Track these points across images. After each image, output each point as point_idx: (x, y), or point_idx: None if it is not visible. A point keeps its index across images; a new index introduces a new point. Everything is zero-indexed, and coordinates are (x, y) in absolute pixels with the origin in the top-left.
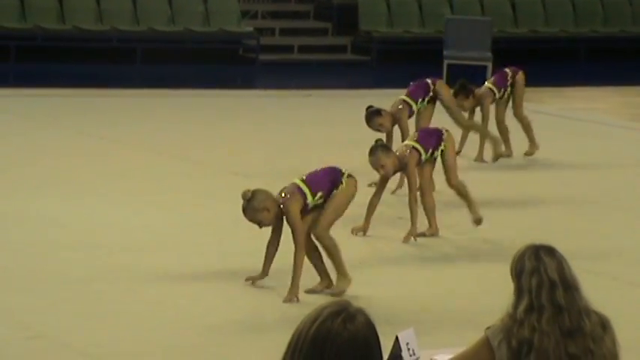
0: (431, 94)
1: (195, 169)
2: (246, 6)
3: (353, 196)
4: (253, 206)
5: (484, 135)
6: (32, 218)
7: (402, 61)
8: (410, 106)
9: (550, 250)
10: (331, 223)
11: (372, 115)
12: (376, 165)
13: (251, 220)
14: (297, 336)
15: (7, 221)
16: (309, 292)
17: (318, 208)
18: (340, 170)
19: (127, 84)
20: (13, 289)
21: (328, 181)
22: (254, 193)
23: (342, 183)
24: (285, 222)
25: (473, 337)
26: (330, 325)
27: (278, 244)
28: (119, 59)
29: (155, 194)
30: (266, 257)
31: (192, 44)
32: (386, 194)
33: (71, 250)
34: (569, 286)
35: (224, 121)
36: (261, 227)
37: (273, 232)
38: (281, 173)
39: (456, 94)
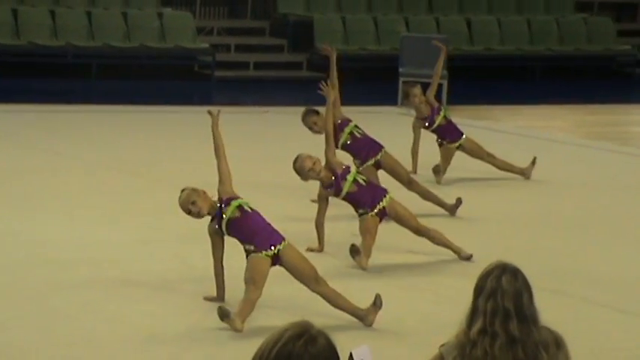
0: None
1: (150, 184)
2: (201, 22)
3: (262, 272)
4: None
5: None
6: None
7: (358, 78)
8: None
9: (514, 275)
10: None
11: (308, 113)
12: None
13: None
14: (258, 357)
15: None
16: None
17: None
18: (278, 240)
19: (83, 99)
20: None
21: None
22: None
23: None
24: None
25: (427, 354)
26: (292, 348)
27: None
28: (74, 75)
29: (112, 210)
30: (217, 279)
31: (147, 60)
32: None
33: (27, 265)
34: (525, 318)
35: (180, 137)
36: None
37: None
38: (238, 189)
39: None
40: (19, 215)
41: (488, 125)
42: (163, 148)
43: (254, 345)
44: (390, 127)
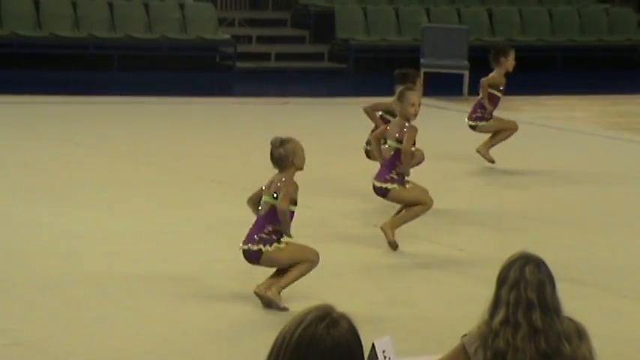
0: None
1: (172, 176)
2: (223, 13)
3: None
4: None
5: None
6: (8, 225)
7: (379, 69)
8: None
9: (538, 266)
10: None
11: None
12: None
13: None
14: (280, 340)
15: None
16: None
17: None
18: None
19: (104, 91)
20: None
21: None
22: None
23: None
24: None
25: (449, 344)
26: (314, 330)
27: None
28: (96, 66)
29: (132, 201)
30: None
31: (168, 51)
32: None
33: (48, 256)
34: (548, 308)
35: (201, 129)
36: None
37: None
38: (258, 180)
39: None
40: (40, 205)
41: (509, 116)
42: (184, 140)
43: (274, 334)
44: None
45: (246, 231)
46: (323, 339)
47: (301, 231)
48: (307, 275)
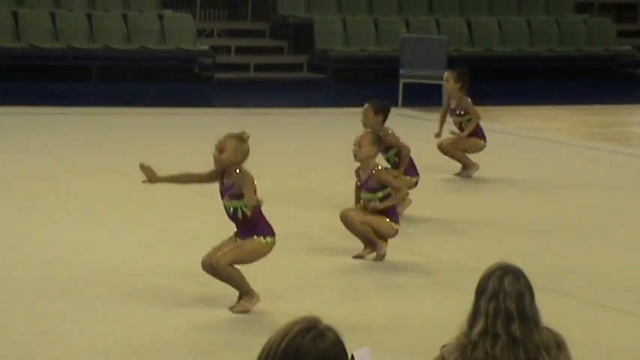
0: None
1: (153, 187)
2: (202, 24)
3: (263, 254)
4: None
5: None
6: None
7: (359, 79)
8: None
9: (516, 276)
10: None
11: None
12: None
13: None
14: (266, 352)
15: None
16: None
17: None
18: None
19: (83, 102)
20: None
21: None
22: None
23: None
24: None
25: (428, 355)
26: (300, 342)
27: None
28: (75, 77)
29: (113, 212)
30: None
31: (148, 62)
32: None
33: (29, 267)
34: (527, 319)
35: (180, 140)
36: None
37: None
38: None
39: None
40: (20, 217)
41: (489, 126)
42: (163, 151)
43: (255, 346)
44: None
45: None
46: (309, 350)
47: (281, 243)
48: (288, 286)
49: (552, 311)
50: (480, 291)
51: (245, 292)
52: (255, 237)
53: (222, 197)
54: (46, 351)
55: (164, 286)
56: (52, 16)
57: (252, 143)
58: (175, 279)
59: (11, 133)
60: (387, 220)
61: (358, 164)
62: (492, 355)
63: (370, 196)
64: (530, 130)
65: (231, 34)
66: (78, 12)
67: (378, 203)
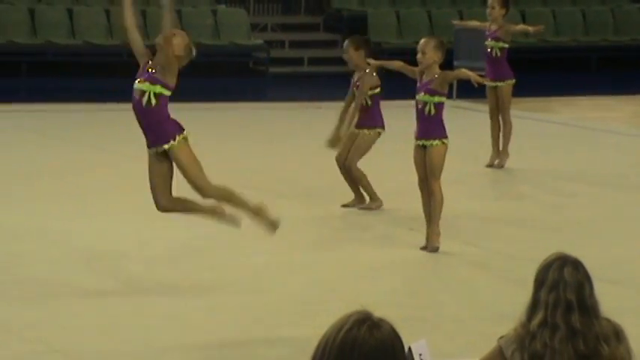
0: None
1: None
2: (255, 19)
3: None
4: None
5: None
6: (45, 231)
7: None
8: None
9: (575, 267)
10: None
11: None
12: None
13: None
14: (323, 344)
15: (20, 235)
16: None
17: None
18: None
19: None
20: (27, 303)
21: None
22: None
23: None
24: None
25: (485, 347)
26: (357, 333)
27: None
28: (131, 74)
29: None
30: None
31: (202, 57)
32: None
33: (83, 263)
34: (587, 309)
35: (235, 134)
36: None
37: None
38: (293, 186)
39: None
40: (75, 213)
41: (545, 117)
42: (219, 146)
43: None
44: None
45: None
46: (366, 341)
47: (339, 234)
48: (337, 277)
49: (610, 301)
50: (539, 282)
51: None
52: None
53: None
54: (100, 347)
55: (218, 281)
56: (107, 13)
57: (306, 137)
58: (228, 273)
59: (68, 129)
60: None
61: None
62: (551, 346)
63: (427, 98)
64: (586, 121)
65: (284, 28)
66: (133, 8)
67: (432, 107)
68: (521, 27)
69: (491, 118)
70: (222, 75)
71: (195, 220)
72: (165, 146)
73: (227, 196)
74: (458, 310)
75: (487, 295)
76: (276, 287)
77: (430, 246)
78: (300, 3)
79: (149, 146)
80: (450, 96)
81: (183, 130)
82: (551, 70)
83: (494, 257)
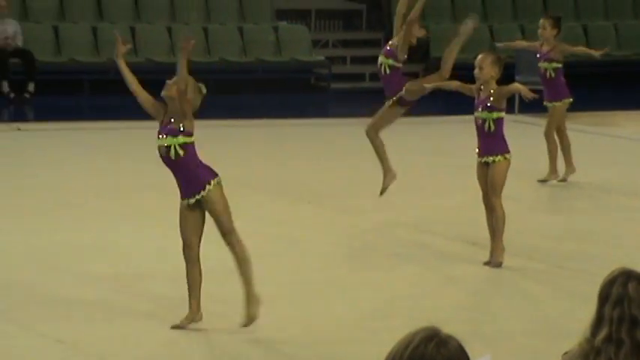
0: None
1: (272, 197)
2: (317, 35)
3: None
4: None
5: None
6: (110, 249)
7: None
8: None
9: None
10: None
11: None
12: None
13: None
14: None
15: (86, 253)
16: None
17: None
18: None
19: (201, 115)
20: (93, 322)
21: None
22: None
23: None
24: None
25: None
26: (424, 350)
27: None
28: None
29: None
30: None
31: (264, 74)
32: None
33: (152, 280)
34: None
35: (296, 151)
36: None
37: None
38: (356, 199)
39: None
40: (140, 232)
41: (609, 132)
42: (284, 162)
43: None
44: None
45: None
46: (433, 358)
47: (403, 250)
48: (402, 295)
49: None
50: (604, 297)
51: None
52: None
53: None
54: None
55: (281, 294)
56: (169, 29)
57: (367, 153)
58: (292, 287)
59: (130, 146)
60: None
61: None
62: None
63: (485, 115)
64: None
65: (346, 44)
66: (194, 25)
67: (492, 123)
68: (580, 49)
69: (551, 135)
70: (284, 91)
71: (255, 237)
72: (203, 193)
73: (241, 258)
74: (522, 326)
75: (551, 310)
76: (338, 304)
77: (494, 261)
78: (362, 19)
79: (183, 197)
80: (511, 111)
81: (217, 175)
82: (613, 84)
83: (557, 273)
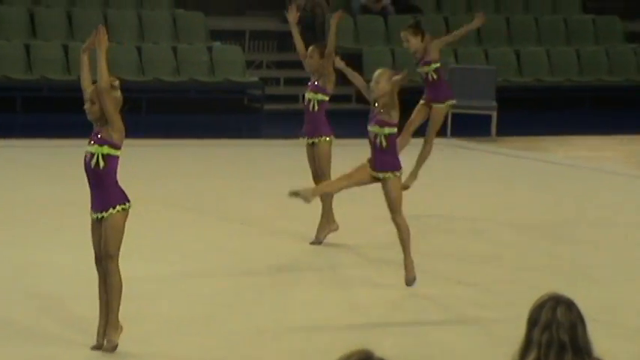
0: None
1: (202, 219)
2: (251, 56)
3: None
4: None
5: None
6: (31, 268)
7: (408, 110)
8: None
9: (569, 307)
10: None
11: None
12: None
13: None
14: None
15: (12, 271)
16: None
17: None
18: None
19: (133, 134)
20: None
21: None
22: None
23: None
24: None
25: None
26: None
27: None
28: (125, 109)
29: (159, 244)
30: None
31: (197, 94)
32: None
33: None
34: (580, 350)
35: (230, 171)
36: None
37: None
38: (286, 221)
39: None
40: (69, 252)
41: (538, 156)
42: (215, 182)
43: None
44: (438, 158)
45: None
46: None
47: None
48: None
49: (603, 342)
50: (533, 322)
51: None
52: None
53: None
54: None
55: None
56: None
57: (301, 174)
58: (221, 310)
59: (61, 165)
60: None
61: None
62: None
63: (377, 130)
64: (580, 160)
65: (280, 65)
66: (127, 45)
67: (383, 139)
68: (456, 33)
69: (432, 139)
70: (217, 111)
71: (190, 251)
72: (105, 214)
73: (113, 287)
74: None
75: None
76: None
77: (407, 277)
78: None
79: (91, 208)
80: (444, 134)
81: (127, 200)
82: (545, 109)
83: (456, 301)
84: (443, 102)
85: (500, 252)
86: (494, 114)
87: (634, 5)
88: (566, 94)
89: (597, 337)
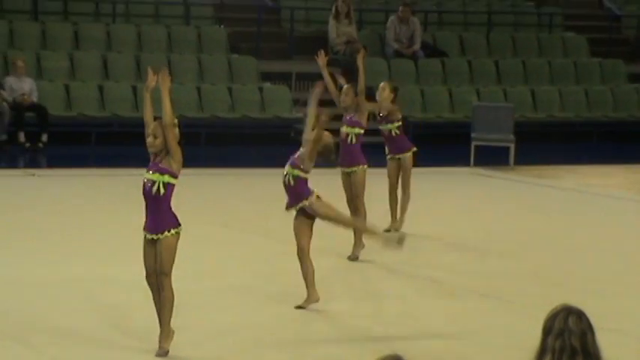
0: None
1: (248, 238)
2: (296, 95)
3: None
4: None
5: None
6: (109, 282)
7: (435, 142)
8: None
9: (579, 316)
10: None
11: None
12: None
13: None
14: None
15: (91, 285)
16: None
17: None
18: None
19: (193, 164)
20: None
21: None
22: None
23: None
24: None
25: None
26: None
27: None
28: (186, 142)
29: (212, 261)
30: None
31: (249, 129)
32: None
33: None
34: (590, 355)
35: (276, 196)
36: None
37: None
38: (324, 240)
39: None
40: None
41: (551, 183)
42: (260, 206)
43: None
44: (462, 184)
45: None
46: None
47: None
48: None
49: (611, 349)
50: (547, 330)
51: None
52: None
53: None
54: None
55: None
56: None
57: (339, 199)
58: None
59: (131, 193)
60: None
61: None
62: None
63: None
64: (589, 187)
65: (322, 103)
66: (188, 85)
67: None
68: (371, 104)
69: (408, 186)
70: (267, 144)
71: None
72: (160, 236)
73: (167, 300)
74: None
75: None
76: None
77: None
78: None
79: (144, 229)
80: (467, 164)
81: (179, 225)
82: (557, 141)
83: (502, 306)
84: (409, 151)
85: (515, 267)
86: (512, 146)
87: (636, 50)
88: (576, 129)
89: (605, 344)
